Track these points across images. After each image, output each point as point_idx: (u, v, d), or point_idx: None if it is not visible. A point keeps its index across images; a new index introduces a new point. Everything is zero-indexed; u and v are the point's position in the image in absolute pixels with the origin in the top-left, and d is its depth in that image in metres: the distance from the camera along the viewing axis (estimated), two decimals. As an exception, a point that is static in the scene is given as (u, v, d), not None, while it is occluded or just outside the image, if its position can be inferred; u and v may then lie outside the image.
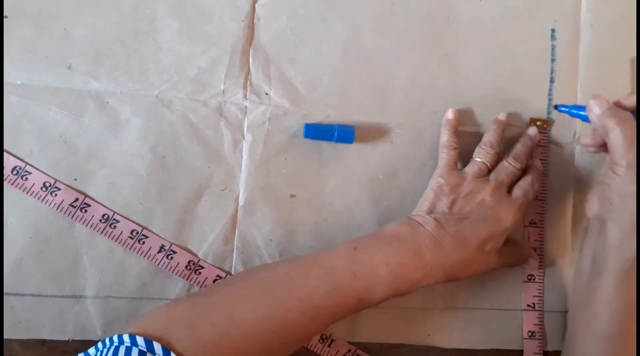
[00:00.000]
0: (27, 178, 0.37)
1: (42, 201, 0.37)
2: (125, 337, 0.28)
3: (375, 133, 0.41)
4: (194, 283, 0.38)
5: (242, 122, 0.40)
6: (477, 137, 0.41)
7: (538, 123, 0.42)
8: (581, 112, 0.40)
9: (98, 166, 0.38)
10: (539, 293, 0.42)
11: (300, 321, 0.32)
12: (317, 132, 0.40)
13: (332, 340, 0.40)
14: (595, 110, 0.37)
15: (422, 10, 0.42)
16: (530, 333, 0.42)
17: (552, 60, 0.43)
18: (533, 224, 0.42)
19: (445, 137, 0.40)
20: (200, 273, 0.38)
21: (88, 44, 0.38)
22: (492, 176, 0.38)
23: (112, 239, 0.37)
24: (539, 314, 0.42)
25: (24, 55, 0.37)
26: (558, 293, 0.42)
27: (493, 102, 0.42)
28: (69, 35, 0.38)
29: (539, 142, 0.42)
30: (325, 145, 0.40)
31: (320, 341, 0.40)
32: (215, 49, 0.39)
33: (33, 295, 0.37)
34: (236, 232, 0.39)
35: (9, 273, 0.36)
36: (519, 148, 0.40)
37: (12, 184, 0.37)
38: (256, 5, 0.40)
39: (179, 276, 0.38)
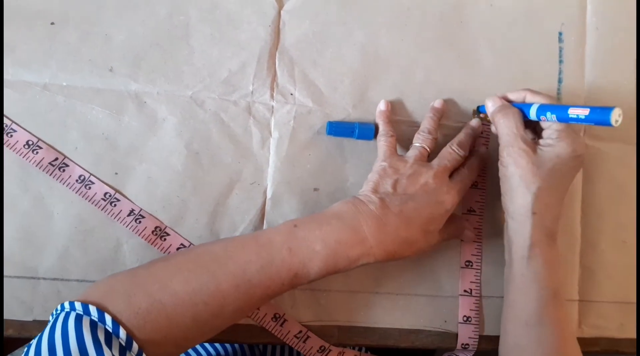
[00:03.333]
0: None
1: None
2: (66, 304, 0.31)
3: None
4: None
5: (269, 120, 0.42)
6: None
7: (481, 115, 0.44)
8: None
9: (137, 161, 0.41)
10: (476, 279, 0.43)
11: (232, 294, 0.33)
12: (339, 129, 0.42)
13: (285, 320, 0.41)
14: (489, 108, 0.40)
15: (436, 14, 0.44)
16: (465, 318, 0.43)
17: (560, 61, 0.46)
18: (472, 211, 0.44)
19: (381, 126, 0.42)
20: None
21: (127, 48, 0.41)
22: (435, 161, 0.40)
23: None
24: (476, 300, 0.43)
25: (69, 58, 0.40)
26: (497, 280, 0.43)
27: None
28: (110, 40, 0.41)
29: (482, 133, 0.44)
30: (346, 142, 0.43)
31: (273, 319, 0.41)
32: (244, 53, 0.42)
33: (78, 281, 0.39)
34: (264, 222, 0.42)
35: (56, 260, 0.39)
36: (463, 136, 0.42)
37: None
38: (282, 12, 0.43)
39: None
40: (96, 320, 0.30)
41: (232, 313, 0.34)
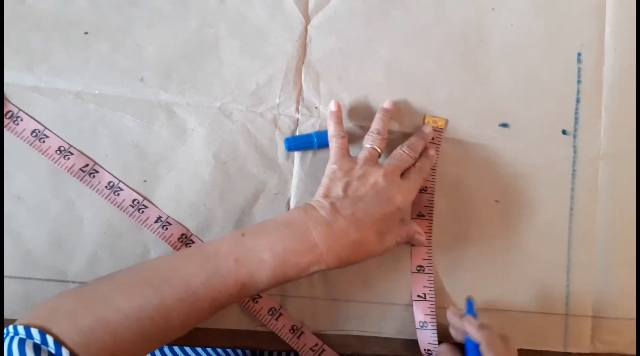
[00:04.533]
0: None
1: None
2: (11, 328, 0.31)
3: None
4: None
5: (294, 132, 0.43)
6: (507, 149, 0.45)
7: (433, 121, 0.44)
8: None
9: (166, 169, 0.42)
10: (429, 283, 0.43)
11: (177, 307, 0.33)
12: (298, 143, 0.42)
13: (302, 332, 0.42)
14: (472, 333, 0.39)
15: (458, 33, 0.46)
16: (421, 324, 0.43)
17: (578, 81, 0.47)
18: (421, 216, 0.44)
19: (332, 127, 0.41)
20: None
21: (158, 59, 0.42)
22: (386, 161, 0.40)
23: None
24: (430, 304, 0.43)
25: (102, 67, 0.41)
26: (451, 287, 0.44)
27: (523, 120, 0.46)
28: (141, 51, 0.42)
29: (432, 138, 0.44)
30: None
31: (291, 331, 0.41)
32: (271, 66, 0.43)
33: (105, 285, 0.40)
34: (287, 232, 0.43)
35: (85, 264, 0.40)
36: (414, 139, 0.42)
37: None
38: (308, 27, 0.44)
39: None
40: (39, 342, 0.30)
41: (178, 326, 0.34)
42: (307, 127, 0.43)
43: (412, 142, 0.42)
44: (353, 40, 0.44)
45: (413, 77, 0.45)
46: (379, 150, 0.40)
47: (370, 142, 0.41)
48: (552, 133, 0.46)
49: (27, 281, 0.40)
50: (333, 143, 0.40)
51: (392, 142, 0.43)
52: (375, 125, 0.42)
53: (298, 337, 0.42)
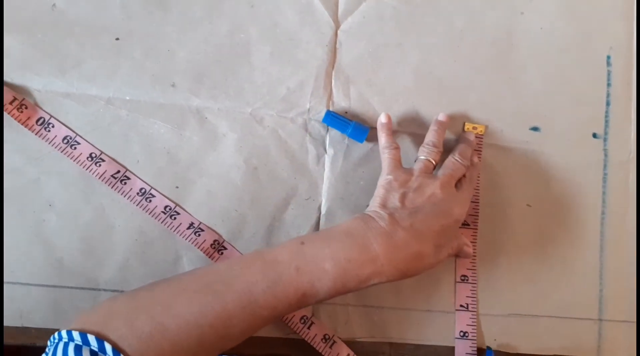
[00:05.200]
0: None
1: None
2: (64, 333, 0.30)
3: (446, 150, 0.44)
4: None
5: (324, 137, 0.43)
6: (538, 153, 0.45)
7: (473, 128, 0.44)
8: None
9: (197, 175, 0.41)
10: (472, 293, 0.43)
11: (239, 315, 0.32)
12: (335, 121, 0.42)
13: (334, 341, 0.41)
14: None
15: (488, 37, 0.45)
16: (462, 333, 0.42)
17: (608, 84, 0.47)
18: (466, 225, 0.44)
19: (383, 139, 0.41)
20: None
21: (190, 64, 0.42)
22: (440, 171, 0.40)
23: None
24: (472, 315, 0.43)
25: (133, 73, 0.41)
26: (496, 295, 0.43)
27: (554, 124, 0.45)
28: (173, 56, 0.42)
29: (475, 145, 0.44)
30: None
31: (323, 340, 0.41)
32: (302, 71, 0.43)
33: (137, 292, 0.40)
34: (318, 238, 0.42)
35: (117, 271, 0.40)
36: (463, 147, 0.42)
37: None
38: (338, 32, 0.44)
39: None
40: (96, 350, 0.29)
41: (238, 334, 0.33)
42: (337, 132, 0.43)
43: (462, 150, 0.42)
44: (383, 44, 0.44)
45: (443, 81, 0.45)
46: (433, 163, 0.40)
47: (425, 153, 0.40)
48: (582, 136, 0.46)
49: (58, 290, 0.39)
50: (386, 154, 0.40)
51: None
52: (430, 137, 0.41)
53: (330, 346, 0.41)
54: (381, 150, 0.41)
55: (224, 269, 0.34)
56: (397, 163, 0.40)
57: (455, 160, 0.41)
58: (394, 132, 0.43)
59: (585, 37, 0.47)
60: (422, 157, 0.40)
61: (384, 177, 0.39)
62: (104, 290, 0.39)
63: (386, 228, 0.35)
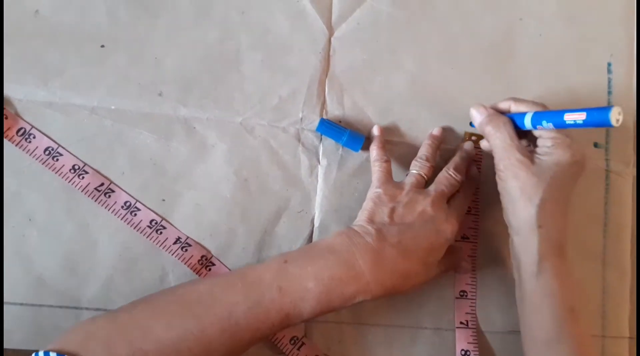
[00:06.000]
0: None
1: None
2: (41, 353, 0.29)
3: (440, 159, 0.42)
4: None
5: (317, 148, 0.42)
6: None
7: (473, 138, 0.42)
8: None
9: (185, 187, 0.40)
10: (472, 310, 0.42)
11: (219, 338, 0.31)
12: (330, 129, 0.40)
13: (303, 343, 0.39)
14: (476, 119, 0.38)
15: (486, 43, 0.44)
16: (463, 352, 0.41)
17: (609, 92, 0.45)
18: (465, 239, 0.42)
19: (375, 152, 0.40)
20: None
21: (177, 73, 0.40)
22: (432, 187, 0.38)
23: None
24: (473, 332, 0.41)
25: (118, 82, 0.40)
26: (497, 312, 0.42)
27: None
28: (160, 64, 0.40)
29: (474, 156, 0.42)
30: (394, 170, 0.42)
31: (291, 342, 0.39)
32: (294, 79, 0.41)
33: (122, 311, 0.38)
34: (312, 252, 0.41)
35: (100, 289, 0.38)
36: (458, 160, 0.40)
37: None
38: (332, 39, 0.42)
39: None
40: None
41: None
42: (331, 142, 0.41)
43: (457, 163, 0.40)
44: (378, 51, 0.43)
45: (440, 89, 0.43)
46: (425, 177, 0.39)
47: (417, 168, 0.39)
48: (583, 146, 0.44)
49: (38, 309, 0.37)
50: (376, 167, 0.39)
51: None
52: (424, 150, 0.40)
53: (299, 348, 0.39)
54: (372, 162, 0.40)
55: (205, 289, 0.33)
56: (388, 177, 0.38)
57: (449, 175, 0.39)
58: (388, 141, 0.42)
59: (585, 43, 0.45)
60: (414, 171, 0.39)
61: (373, 190, 0.38)
62: (87, 308, 0.38)
63: (373, 244, 0.34)
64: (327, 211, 0.41)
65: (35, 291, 0.37)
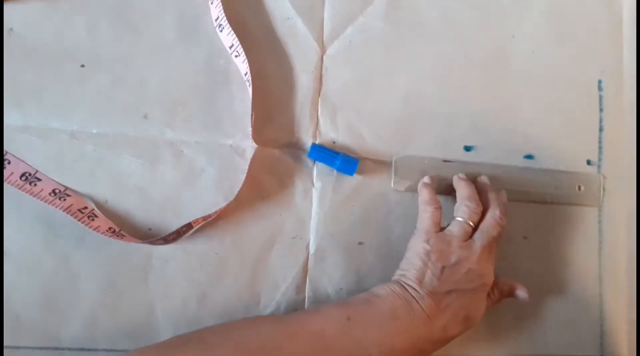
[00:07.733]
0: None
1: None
2: None
3: (435, 167, 0.41)
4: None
5: (311, 170, 0.40)
6: (533, 182, 0.43)
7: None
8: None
9: (173, 215, 0.37)
10: None
11: None
12: (322, 154, 0.39)
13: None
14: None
15: (478, 61, 0.44)
16: None
17: (600, 110, 0.45)
18: None
19: (426, 194, 0.37)
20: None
21: (163, 94, 0.38)
22: (479, 237, 0.36)
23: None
24: None
25: (100, 103, 0.37)
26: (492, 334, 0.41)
27: (547, 151, 0.44)
28: (144, 85, 0.38)
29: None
30: (392, 193, 0.41)
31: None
32: (286, 99, 0.40)
33: (106, 350, 0.35)
34: (307, 280, 0.39)
35: (82, 327, 0.35)
36: (497, 201, 0.38)
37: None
38: (324, 57, 0.41)
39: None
40: None
41: None
42: (325, 163, 0.40)
43: (501, 207, 0.38)
44: (371, 70, 0.42)
45: (434, 108, 0.42)
46: (472, 226, 0.37)
47: (466, 215, 0.37)
48: (577, 164, 0.44)
49: (15, 351, 0.34)
50: (427, 213, 0.37)
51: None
52: (469, 192, 0.38)
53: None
54: (421, 205, 0.37)
55: (267, 337, 0.31)
56: (437, 227, 0.36)
57: (498, 222, 0.37)
58: (383, 162, 0.41)
59: (576, 61, 0.45)
60: (460, 219, 0.37)
61: (421, 244, 0.36)
62: (69, 349, 0.35)
63: (427, 311, 0.34)
64: (322, 236, 0.39)
65: (12, 331, 0.34)
